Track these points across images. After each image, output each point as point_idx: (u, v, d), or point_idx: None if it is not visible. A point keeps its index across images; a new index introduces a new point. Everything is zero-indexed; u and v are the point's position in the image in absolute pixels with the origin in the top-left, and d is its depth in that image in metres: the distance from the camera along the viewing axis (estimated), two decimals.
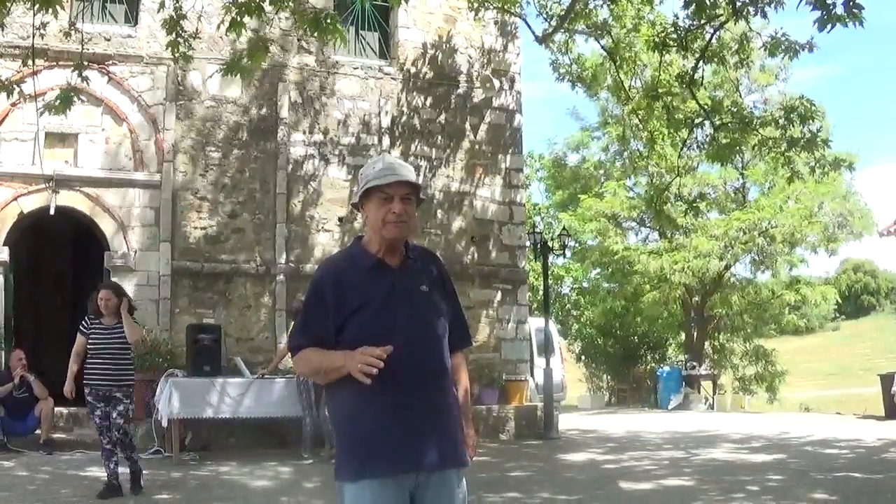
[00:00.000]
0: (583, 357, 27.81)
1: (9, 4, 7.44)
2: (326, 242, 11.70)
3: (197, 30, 9.13)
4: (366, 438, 2.43)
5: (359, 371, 2.31)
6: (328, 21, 7.72)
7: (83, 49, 8.51)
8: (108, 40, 10.92)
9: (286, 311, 11.02)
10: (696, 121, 12.39)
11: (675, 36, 10.82)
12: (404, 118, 12.50)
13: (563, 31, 12.99)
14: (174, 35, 8.13)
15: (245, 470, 8.35)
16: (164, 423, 8.99)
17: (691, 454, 9.89)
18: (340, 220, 11.85)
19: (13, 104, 9.62)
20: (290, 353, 2.68)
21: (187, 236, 11.05)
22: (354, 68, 12.26)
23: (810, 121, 11.04)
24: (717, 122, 11.70)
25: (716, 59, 11.54)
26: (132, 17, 11.20)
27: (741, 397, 22.63)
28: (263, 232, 11.43)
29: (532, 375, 13.71)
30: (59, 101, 7.46)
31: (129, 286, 10.58)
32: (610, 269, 23.75)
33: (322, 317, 2.50)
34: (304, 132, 11.82)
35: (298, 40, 11.81)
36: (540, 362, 14.53)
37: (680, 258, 20.16)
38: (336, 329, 2.49)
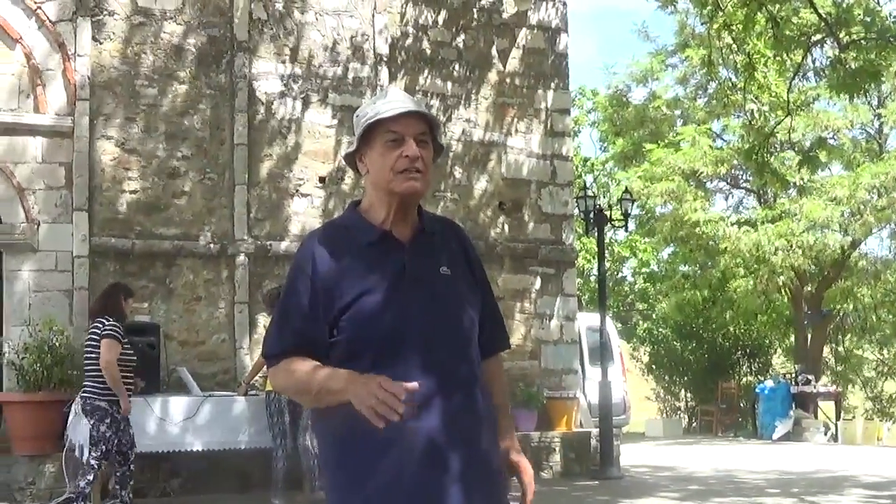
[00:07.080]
0: (653, 367, 27.89)
1: None
2: (304, 211, 11.73)
3: None
4: (368, 478, 2.44)
5: (371, 411, 2.30)
6: None
7: None
8: None
9: (251, 304, 11.08)
10: (815, 37, 12.24)
11: None
12: (409, 41, 12.47)
13: None
14: None
15: None
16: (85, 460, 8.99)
17: None
18: (322, 180, 11.88)
19: None
20: (265, 364, 2.69)
21: (111, 203, 11.05)
22: None
23: None
24: (845, 39, 11.57)
25: None
26: None
27: (877, 425, 22.53)
28: (217, 197, 11.46)
29: (583, 391, 13.80)
30: None
31: (29, 271, 10.66)
32: (689, 247, 23.63)
33: (310, 310, 2.50)
34: (272, 61, 11.80)
35: None
36: (593, 374, 14.62)
37: (785, 230, 19.96)
38: (327, 326, 2.50)
